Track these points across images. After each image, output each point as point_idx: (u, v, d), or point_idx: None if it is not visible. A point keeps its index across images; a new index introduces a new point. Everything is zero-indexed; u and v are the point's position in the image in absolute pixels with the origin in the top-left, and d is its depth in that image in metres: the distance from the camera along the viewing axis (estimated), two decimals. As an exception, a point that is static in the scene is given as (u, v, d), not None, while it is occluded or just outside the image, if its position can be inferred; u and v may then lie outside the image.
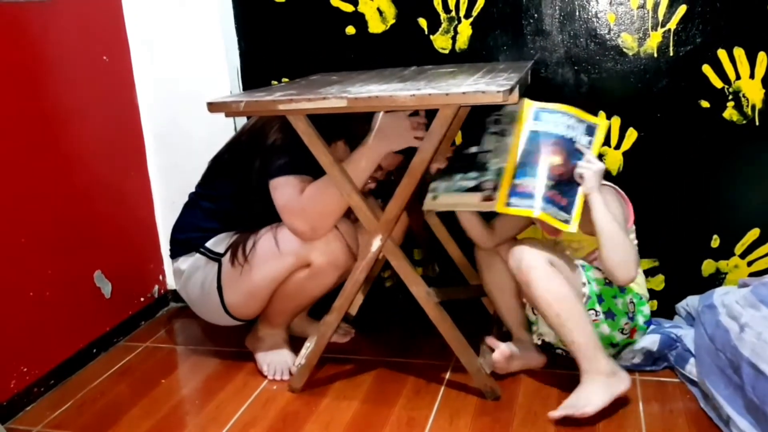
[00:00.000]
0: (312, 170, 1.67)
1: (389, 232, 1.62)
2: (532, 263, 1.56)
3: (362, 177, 1.67)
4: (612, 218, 1.54)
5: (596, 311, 1.63)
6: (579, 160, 1.52)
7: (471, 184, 1.54)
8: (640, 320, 1.71)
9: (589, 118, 1.55)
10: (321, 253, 1.71)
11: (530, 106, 1.53)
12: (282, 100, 1.48)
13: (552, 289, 1.55)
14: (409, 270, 1.64)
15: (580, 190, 1.52)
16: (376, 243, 1.62)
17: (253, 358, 1.90)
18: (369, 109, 1.49)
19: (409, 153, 1.64)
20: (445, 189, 1.60)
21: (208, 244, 1.82)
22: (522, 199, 1.47)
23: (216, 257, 1.80)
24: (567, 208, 1.50)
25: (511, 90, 1.35)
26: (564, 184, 1.51)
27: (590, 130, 1.55)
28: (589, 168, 1.51)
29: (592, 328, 1.57)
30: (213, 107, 1.54)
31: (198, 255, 1.83)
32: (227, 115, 1.57)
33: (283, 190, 1.69)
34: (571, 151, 1.52)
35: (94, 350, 2.02)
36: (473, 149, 1.60)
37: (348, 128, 1.73)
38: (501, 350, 1.68)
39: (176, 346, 2.09)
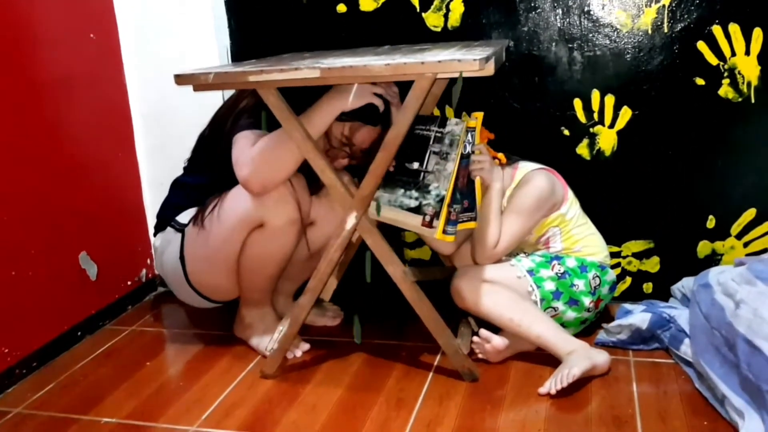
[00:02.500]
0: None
1: (365, 208, 1.58)
2: (466, 290, 1.68)
3: (314, 133, 1.59)
4: (494, 209, 1.67)
5: (555, 308, 1.71)
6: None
7: (413, 204, 1.58)
8: (605, 290, 1.76)
9: (469, 123, 1.58)
10: (275, 213, 1.66)
11: (464, 129, 1.55)
12: (253, 71, 1.44)
13: (494, 300, 1.66)
14: (386, 249, 1.60)
15: (476, 186, 1.65)
16: (351, 220, 1.58)
17: (248, 345, 1.87)
18: (343, 80, 1.46)
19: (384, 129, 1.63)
20: (388, 201, 1.62)
21: (178, 218, 1.82)
22: (451, 226, 1.56)
23: (181, 228, 1.79)
24: (470, 208, 1.64)
25: (486, 59, 1.33)
26: (463, 191, 1.60)
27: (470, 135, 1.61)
28: (481, 168, 1.63)
29: (548, 317, 1.68)
30: (180, 80, 1.50)
31: (168, 229, 1.83)
32: (196, 89, 1.52)
33: (239, 143, 1.65)
34: (468, 163, 1.61)
35: (79, 333, 1.98)
36: (415, 165, 1.61)
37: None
38: (494, 344, 1.67)
39: (163, 330, 2.06)
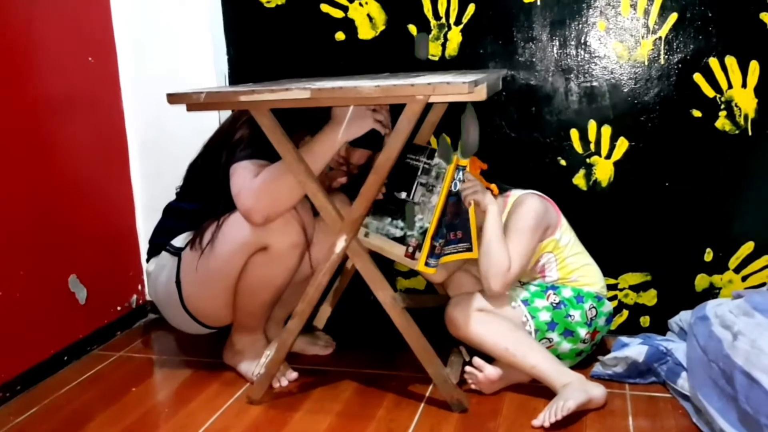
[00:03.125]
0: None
1: (354, 232, 1.57)
2: (460, 318, 1.65)
3: (316, 166, 1.59)
4: (496, 231, 1.63)
5: (550, 339, 1.68)
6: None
7: (398, 233, 1.59)
8: (601, 321, 1.73)
9: (461, 161, 1.58)
10: (280, 237, 1.64)
11: (454, 165, 1.54)
12: (244, 91, 1.45)
13: (489, 329, 1.63)
14: (375, 273, 1.58)
15: (470, 216, 1.63)
16: (341, 244, 1.56)
17: (236, 372, 1.83)
18: (333, 102, 1.46)
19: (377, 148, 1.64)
20: (375, 229, 1.64)
21: (173, 242, 1.79)
22: (434, 259, 1.55)
23: (177, 252, 1.76)
24: (464, 238, 1.63)
25: (476, 83, 1.32)
26: (453, 222, 1.59)
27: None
28: (474, 192, 1.61)
29: (544, 348, 1.65)
30: (173, 99, 1.50)
31: (163, 253, 1.80)
32: (189, 109, 1.52)
33: (239, 174, 1.64)
34: (457, 199, 1.59)
35: (66, 357, 1.94)
36: (403, 195, 1.62)
37: (316, 130, 1.64)
38: (487, 374, 1.63)
39: (152, 356, 2.02)
